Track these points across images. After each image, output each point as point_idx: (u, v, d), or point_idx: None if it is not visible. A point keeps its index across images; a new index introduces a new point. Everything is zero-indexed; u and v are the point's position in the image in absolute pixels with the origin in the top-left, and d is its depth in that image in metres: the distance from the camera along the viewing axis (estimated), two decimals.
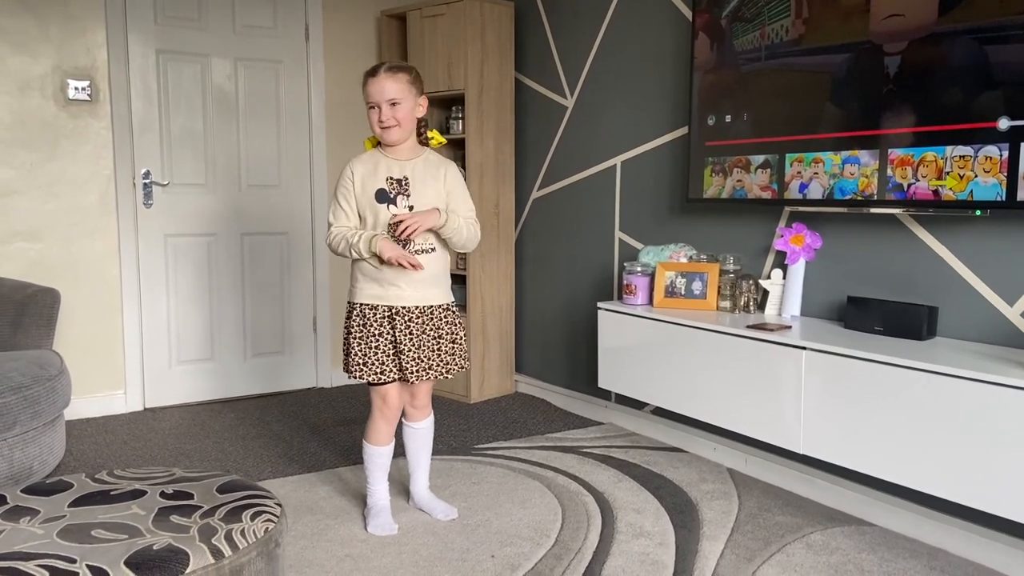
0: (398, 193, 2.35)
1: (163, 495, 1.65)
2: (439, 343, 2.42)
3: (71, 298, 3.62)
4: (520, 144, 4.07)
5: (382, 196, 2.34)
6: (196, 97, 3.88)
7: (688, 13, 3.12)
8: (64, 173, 3.59)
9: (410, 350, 2.37)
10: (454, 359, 2.45)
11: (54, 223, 3.59)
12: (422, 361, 2.39)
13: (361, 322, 2.37)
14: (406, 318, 2.37)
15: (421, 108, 2.38)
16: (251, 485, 1.73)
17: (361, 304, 2.38)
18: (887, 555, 2.31)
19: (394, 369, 2.38)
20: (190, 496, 1.65)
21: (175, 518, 1.53)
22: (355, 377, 2.39)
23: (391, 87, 2.30)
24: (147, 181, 3.78)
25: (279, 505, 1.66)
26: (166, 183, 3.83)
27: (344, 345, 2.45)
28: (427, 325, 2.39)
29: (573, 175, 3.78)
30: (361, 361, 2.37)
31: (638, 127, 3.42)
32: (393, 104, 2.30)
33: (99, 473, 1.79)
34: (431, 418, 2.59)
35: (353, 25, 4.26)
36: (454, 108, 3.97)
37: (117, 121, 3.67)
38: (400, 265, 2.29)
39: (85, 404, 3.70)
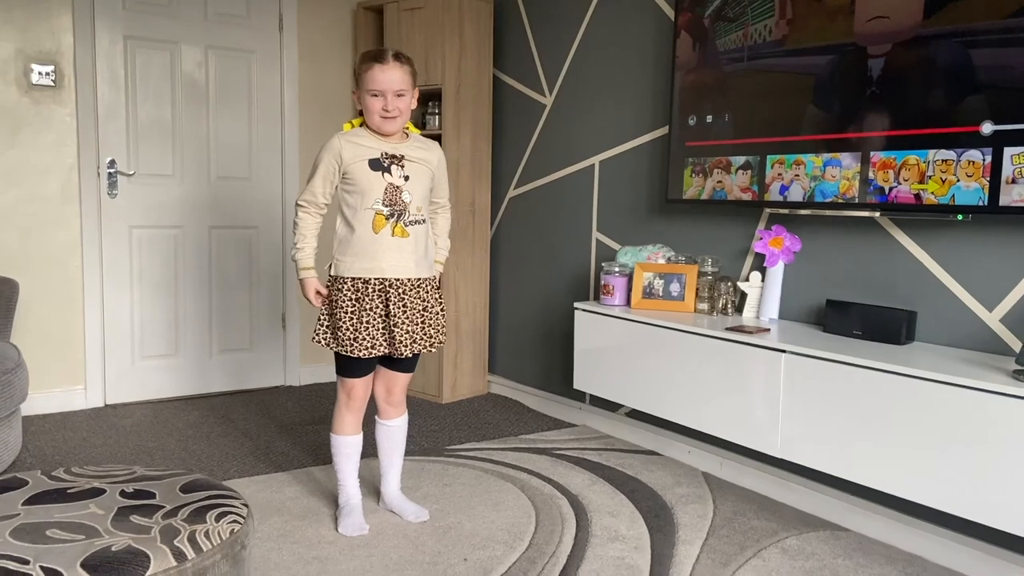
0: (392, 163, 2.32)
1: (123, 494, 1.58)
2: (425, 315, 2.38)
3: (30, 289, 3.50)
4: (497, 141, 4.02)
5: (376, 164, 2.30)
6: (164, 85, 3.78)
7: (670, 12, 3.10)
8: (25, 160, 3.48)
9: (402, 323, 2.33)
10: (438, 333, 2.42)
11: (13, 212, 3.47)
12: (412, 334, 2.35)
13: (354, 296, 2.31)
14: (400, 291, 2.33)
15: (415, 101, 2.36)
16: (216, 484, 1.67)
17: (352, 278, 2.32)
18: (863, 561, 2.30)
19: (384, 343, 2.34)
20: (152, 495, 1.58)
21: (135, 518, 1.46)
22: (344, 352, 2.32)
23: (400, 77, 2.27)
24: (112, 170, 3.67)
25: (245, 505, 1.59)
26: (132, 173, 3.72)
27: (325, 320, 2.38)
28: (417, 298, 2.36)
29: (551, 174, 3.74)
30: (352, 336, 2.31)
31: (617, 126, 3.39)
32: (399, 95, 2.27)
33: (56, 470, 1.71)
34: (405, 416, 2.54)
35: (329, 17, 4.19)
36: (431, 103, 3.91)
37: (82, 108, 3.57)
38: (313, 300, 2.38)
39: (43, 399, 3.58)
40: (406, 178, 2.32)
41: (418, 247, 2.36)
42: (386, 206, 2.30)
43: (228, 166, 3.98)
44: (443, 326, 2.45)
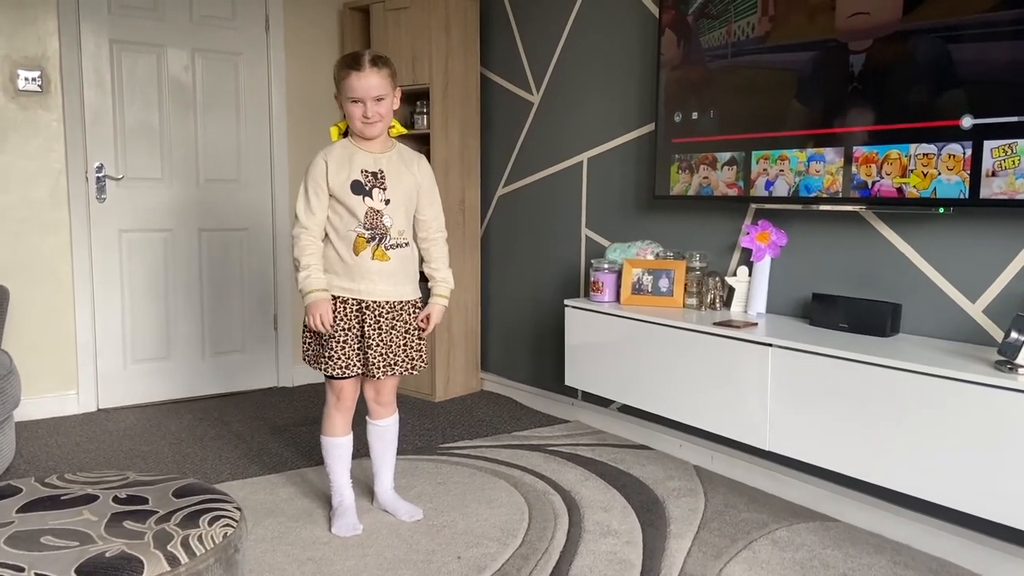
0: (374, 186, 2.31)
1: (116, 500, 1.59)
2: (407, 338, 2.38)
3: (21, 295, 3.50)
4: (486, 140, 4.03)
5: (358, 188, 2.30)
6: (151, 89, 3.78)
7: (655, 9, 3.11)
8: (13, 166, 3.47)
9: (377, 345, 2.33)
10: (420, 356, 2.42)
11: (3, 218, 3.47)
12: (387, 356, 2.35)
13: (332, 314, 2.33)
14: (376, 313, 2.33)
15: (397, 100, 2.35)
16: (209, 488, 1.68)
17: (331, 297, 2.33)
18: (852, 551, 2.33)
19: (358, 364, 2.34)
20: (145, 501, 1.59)
21: (129, 524, 1.47)
22: (321, 371, 2.35)
23: (378, 83, 2.26)
24: (100, 175, 3.67)
25: (238, 509, 1.61)
26: (120, 177, 3.72)
27: (306, 337, 2.40)
28: (396, 320, 2.36)
29: (539, 171, 3.75)
30: (327, 355, 2.32)
31: (604, 123, 3.40)
32: (378, 99, 2.26)
33: (49, 477, 1.72)
34: (396, 416, 2.55)
35: (315, 17, 4.19)
36: (419, 103, 3.92)
37: (69, 113, 3.56)
38: (318, 325, 2.27)
39: (36, 405, 3.58)
40: (387, 202, 2.32)
41: (398, 270, 2.34)
42: (367, 229, 2.30)
43: (217, 168, 3.98)
44: (423, 351, 2.42)
